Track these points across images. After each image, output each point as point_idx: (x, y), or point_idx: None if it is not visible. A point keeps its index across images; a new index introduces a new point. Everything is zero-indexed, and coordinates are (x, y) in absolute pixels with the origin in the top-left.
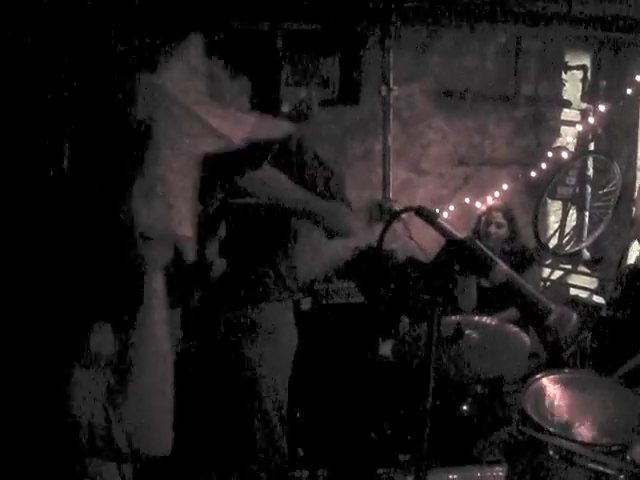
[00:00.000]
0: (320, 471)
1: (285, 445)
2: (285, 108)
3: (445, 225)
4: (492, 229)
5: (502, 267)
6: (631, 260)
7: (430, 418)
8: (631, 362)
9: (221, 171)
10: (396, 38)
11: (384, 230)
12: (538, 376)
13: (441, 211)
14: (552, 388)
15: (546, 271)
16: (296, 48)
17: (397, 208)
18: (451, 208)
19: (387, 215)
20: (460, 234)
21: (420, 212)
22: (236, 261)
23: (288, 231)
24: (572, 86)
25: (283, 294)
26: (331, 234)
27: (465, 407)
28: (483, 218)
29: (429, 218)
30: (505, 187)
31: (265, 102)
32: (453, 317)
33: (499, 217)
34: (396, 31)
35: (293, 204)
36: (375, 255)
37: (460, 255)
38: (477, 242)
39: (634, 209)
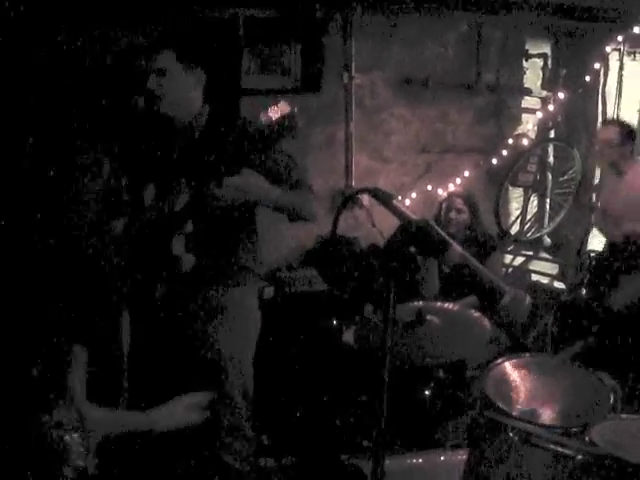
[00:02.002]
0: (285, 459)
1: (250, 430)
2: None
3: (400, 207)
4: (453, 215)
5: (456, 249)
6: (590, 246)
7: (392, 403)
8: (576, 346)
9: (192, 173)
10: (358, 25)
11: (339, 211)
12: (499, 360)
13: (403, 198)
14: (513, 372)
15: (508, 257)
16: (256, 36)
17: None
18: (413, 195)
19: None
20: (416, 216)
21: (375, 193)
22: (202, 255)
23: (252, 224)
24: (532, 74)
25: (248, 278)
26: (294, 219)
27: (427, 392)
28: (444, 205)
29: (384, 200)
30: (467, 174)
31: (225, 93)
32: (414, 303)
33: (460, 203)
34: (357, 18)
35: (267, 202)
36: (331, 238)
37: (414, 236)
38: (431, 224)
39: (594, 196)
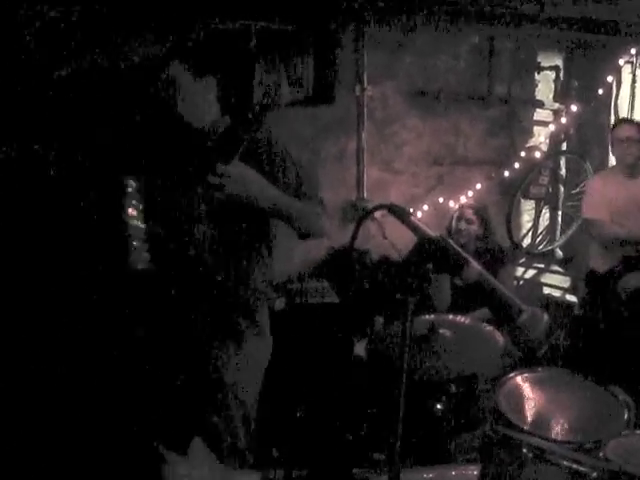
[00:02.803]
0: (295, 471)
1: (250, 455)
2: (255, 98)
3: (417, 223)
4: (462, 225)
5: (474, 266)
6: None
7: (404, 417)
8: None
9: (195, 172)
10: (370, 38)
11: (357, 227)
12: (512, 375)
13: (415, 211)
14: (526, 386)
15: (519, 270)
16: (269, 48)
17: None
18: (425, 208)
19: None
20: (432, 232)
21: (392, 209)
22: (213, 267)
23: (266, 236)
24: (544, 86)
25: (261, 303)
26: (303, 235)
27: (439, 406)
28: (455, 215)
29: (401, 215)
30: (478, 186)
31: (238, 103)
32: (427, 316)
33: (469, 213)
34: (370, 30)
35: (265, 202)
36: (348, 253)
37: (432, 253)
38: (449, 241)
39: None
